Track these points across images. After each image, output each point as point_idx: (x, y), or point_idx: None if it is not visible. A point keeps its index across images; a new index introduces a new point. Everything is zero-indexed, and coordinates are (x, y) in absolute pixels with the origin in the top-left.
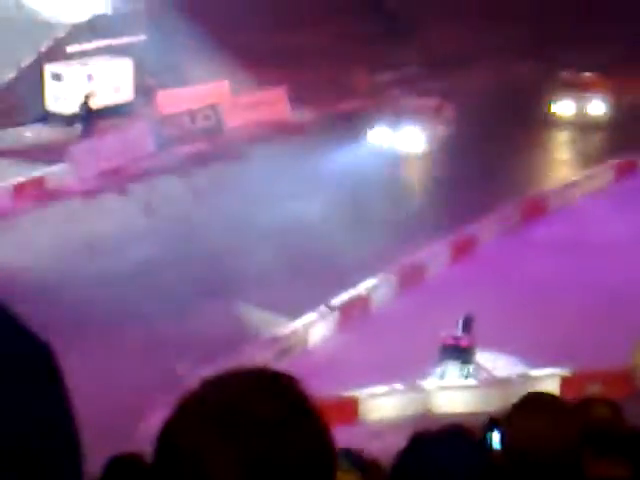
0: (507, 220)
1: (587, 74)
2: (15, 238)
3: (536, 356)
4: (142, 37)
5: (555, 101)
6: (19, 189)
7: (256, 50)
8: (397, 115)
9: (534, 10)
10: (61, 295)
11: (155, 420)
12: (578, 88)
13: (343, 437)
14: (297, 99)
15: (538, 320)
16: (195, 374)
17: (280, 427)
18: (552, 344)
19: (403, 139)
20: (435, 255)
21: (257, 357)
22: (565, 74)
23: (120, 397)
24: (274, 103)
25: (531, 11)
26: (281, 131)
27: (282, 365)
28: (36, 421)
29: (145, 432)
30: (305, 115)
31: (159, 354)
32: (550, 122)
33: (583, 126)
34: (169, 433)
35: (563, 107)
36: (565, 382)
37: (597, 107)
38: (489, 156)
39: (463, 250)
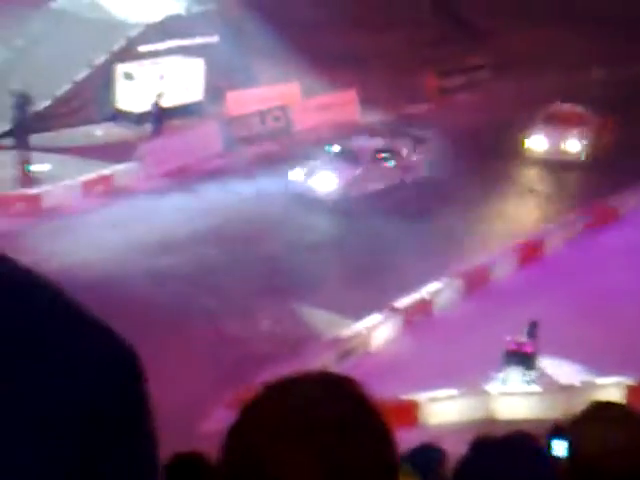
0: (575, 226)
1: (576, 107)
2: (83, 235)
3: (601, 364)
4: (214, 38)
5: (529, 135)
6: (88, 186)
7: (328, 52)
8: (324, 158)
9: (612, 15)
10: (126, 292)
11: (217, 419)
12: (561, 122)
13: (403, 440)
14: (367, 101)
15: (604, 328)
16: (258, 375)
17: (348, 429)
18: (618, 352)
19: (317, 182)
20: (501, 260)
21: (319, 358)
22: (551, 105)
23: (183, 394)
24: (344, 105)
25: (609, 15)
26: (351, 133)
27: (344, 367)
28: (122, 420)
29: (206, 431)
30: (375, 118)
31: (222, 353)
32: (523, 158)
33: (555, 165)
34: (237, 437)
35: (536, 142)
36: (631, 391)
37: (572, 144)
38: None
39: (530, 255)
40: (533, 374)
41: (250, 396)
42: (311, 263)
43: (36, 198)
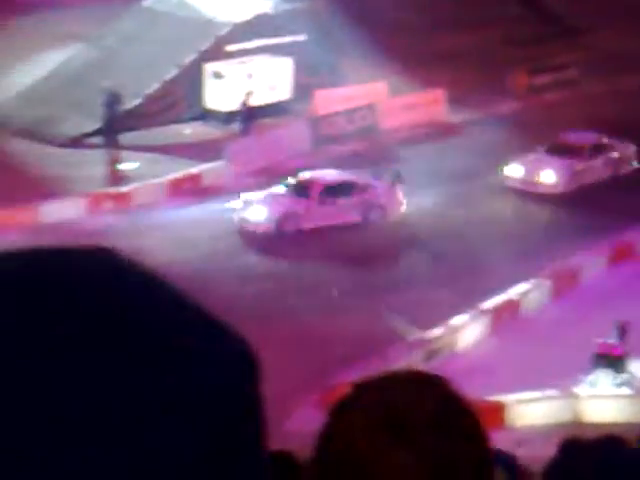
0: None
1: (589, 136)
2: (170, 233)
3: None
4: (302, 36)
5: (508, 163)
6: (176, 185)
7: (417, 51)
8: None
9: None
10: (212, 290)
11: (301, 419)
12: (554, 152)
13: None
14: (455, 100)
15: None
16: (343, 374)
17: (444, 429)
18: None
19: (250, 215)
20: (591, 261)
21: (405, 358)
22: (563, 134)
23: (266, 393)
24: (432, 104)
25: None
26: (438, 133)
27: (429, 367)
28: (242, 419)
29: (290, 430)
30: (463, 117)
31: (305, 352)
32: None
33: (530, 196)
34: (332, 436)
35: (513, 170)
36: None
37: (547, 175)
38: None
39: (620, 256)
40: (623, 377)
41: (340, 395)
42: (399, 262)
43: (125, 196)
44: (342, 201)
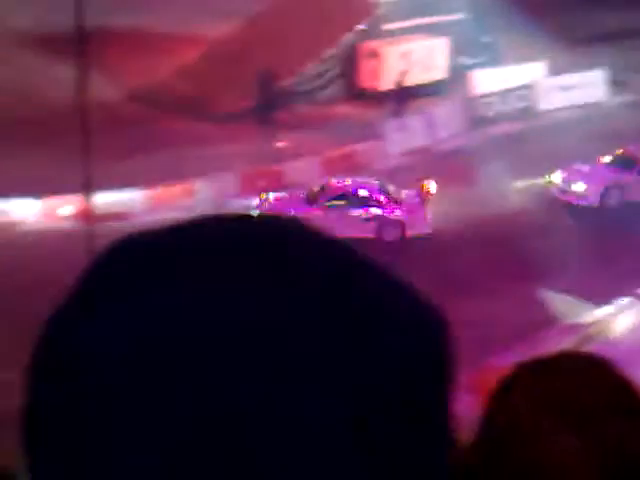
0: None
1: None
2: None
3: None
4: (459, 15)
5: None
6: (329, 163)
7: (575, 31)
8: None
9: None
10: None
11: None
12: (613, 162)
13: None
14: (616, 82)
15: None
16: (498, 357)
17: (613, 412)
18: None
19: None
20: None
21: (559, 343)
22: (628, 146)
23: None
24: (591, 86)
25: None
26: (594, 115)
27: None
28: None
29: None
30: (622, 99)
31: (462, 334)
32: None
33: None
34: (497, 418)
35: (556, 177)
36: None
37: (578, 185)
38: None
39: None
40: None
41: (497, 377)
42: (552, 248)
43: (278, 173)
44: (352, 213)
